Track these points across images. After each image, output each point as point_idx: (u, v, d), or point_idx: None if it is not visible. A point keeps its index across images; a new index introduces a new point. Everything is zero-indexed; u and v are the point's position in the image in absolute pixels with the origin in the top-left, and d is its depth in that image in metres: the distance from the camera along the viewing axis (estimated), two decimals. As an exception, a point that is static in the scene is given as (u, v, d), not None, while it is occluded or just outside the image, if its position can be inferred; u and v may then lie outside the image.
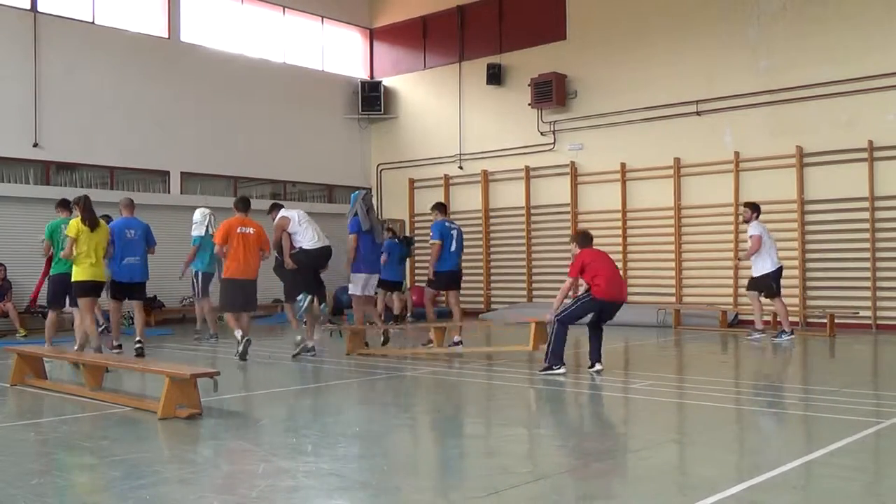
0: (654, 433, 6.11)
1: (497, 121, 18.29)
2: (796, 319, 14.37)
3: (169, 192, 16.95)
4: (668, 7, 15.96)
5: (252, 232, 10.43)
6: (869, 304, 13.77)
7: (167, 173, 17.04)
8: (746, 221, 12.59)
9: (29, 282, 14.31)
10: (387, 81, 20.22)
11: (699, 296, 15.51)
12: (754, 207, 12.56)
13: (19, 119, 15.07)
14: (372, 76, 20.55)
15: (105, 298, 10.66)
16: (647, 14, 16.22)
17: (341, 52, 20.30)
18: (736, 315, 14.72)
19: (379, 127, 20.38)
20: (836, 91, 14.07)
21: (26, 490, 4.63)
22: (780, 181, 14.59)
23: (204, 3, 17.91)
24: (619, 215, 16.42)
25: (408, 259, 16.83)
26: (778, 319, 12.88)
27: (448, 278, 11.73)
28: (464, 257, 18.60)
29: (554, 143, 17.39)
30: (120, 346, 10.41)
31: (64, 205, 10.78)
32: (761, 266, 12.28)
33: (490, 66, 18.10)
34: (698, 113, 15.51)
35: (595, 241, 16.58)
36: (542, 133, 17.56)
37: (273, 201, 12.07)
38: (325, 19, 19.94)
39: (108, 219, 11.74)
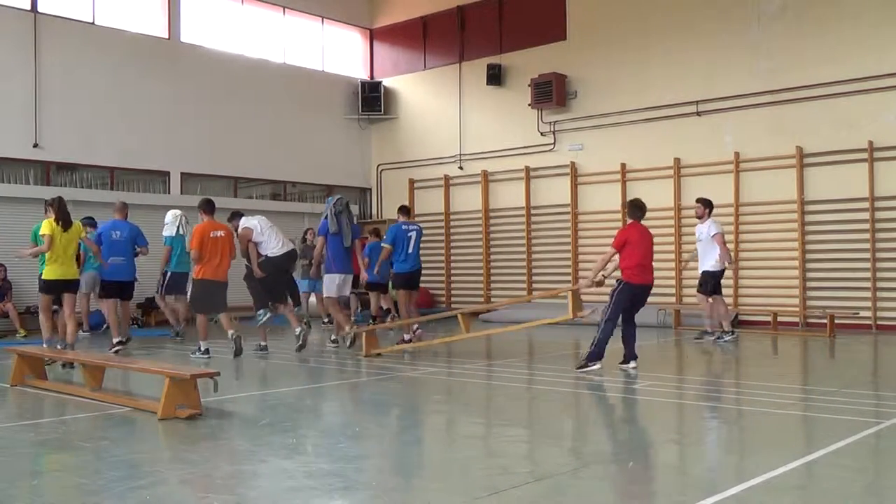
0: (654, 433, 6.11)
1: (497, 121, 18.29)
2: (796, 320, 14.39)
3: (169, 193, 16.95)
4: (669, 7, 15.96)
5: (223, 235, 10.65)
6: (869, 304, 13.77)
7: (167, 174, 17.05)
8: (699, 217, 12.42)
9: (29, 283, 14.28)
10: (387, 82, 20.22)
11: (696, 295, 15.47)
12: (708, 204, 12.37)
13: (19, 119, 15.07)
14: (372, 76, 20.55)
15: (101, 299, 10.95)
16: (647, 14, 16.22)
17: (341, 52, 20.31)
18: (736, 315, 14.70)
19: (379, 127, 20.38)
20: (837, 91, 14.07)
21: (26, 490, 4.63)
22: (781, 181, 14.59)
23: (204, 3, 17.91)
24: (620, 216, 16.39)
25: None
26: (780, 320, 12.88)
27: (407, 279, 12.14)
28: (463, 257, 18.88)
29: (554, 143, 17.39)
30: (121, 343, 10.83)
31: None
32: (708, 263, 12.17)
33: (490, 67, 18.10)
34: (698, 113, 15.52)
35: (595, 241, 16.88)
36: (542, 133, 17.57)
37: (234, 210, 12.18)
38: (325, 19, 19.94)
39: (91, 222, 12.32)
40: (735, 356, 11.31)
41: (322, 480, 4.79)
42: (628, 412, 7.32)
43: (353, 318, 13.17)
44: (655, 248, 15.79)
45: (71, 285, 9.78)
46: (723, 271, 12.43)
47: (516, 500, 4.42)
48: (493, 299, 18.25)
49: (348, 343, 11.57)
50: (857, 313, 13.70)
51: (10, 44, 15.02)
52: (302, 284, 14.19)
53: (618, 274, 9.37)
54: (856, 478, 4.89)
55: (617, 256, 9.35)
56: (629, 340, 9.33)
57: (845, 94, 14.00)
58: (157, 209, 14.35)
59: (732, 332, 12.26)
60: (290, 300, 11.54)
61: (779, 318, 14.02)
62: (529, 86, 17.21)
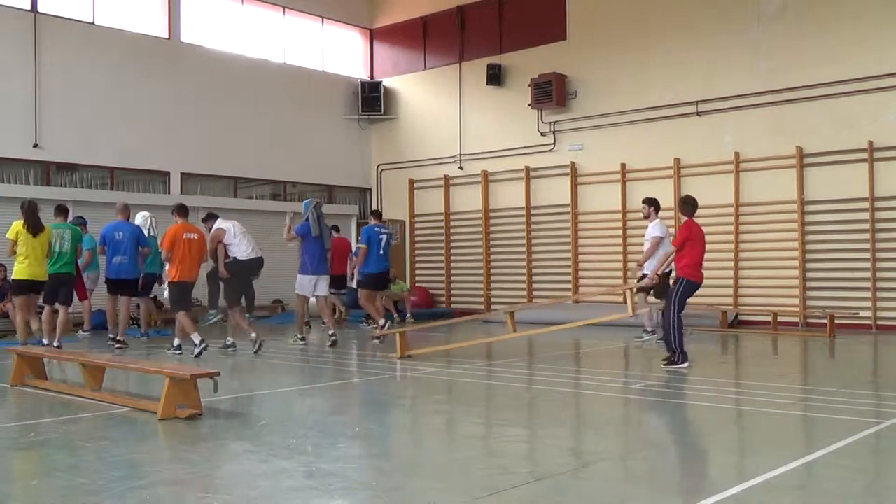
0: (654, 433, 6.10)
1: (497, 121, 18.29)
2: (796, 320, 14.38)
3: (169, 193, 16.95)
4: (669, 7, 15.96)
5: (196, 237, 10.88)
6: (869, 304, 13.77)
7: (167, 174, 17.05)
8: (646, 217, 12.24)
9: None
10: (387, 82, 20.22)
11: (699, 296, 15.41)
12: (653, 203, 12.19)
13: (19, 119, 15.08)
14: (372, 76, 20.55)
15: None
16: (647, 14, 16.22)
17: (341, 52, 20.31)
18: (736, 315, 14.72)
19: (379, 127, 20.38)
20: (837, 91, 14.07)
21: (26, 490, 4.63)
22: (781, 181, 14.59)
23: (204, 3, 17.91)
24: (620, 216, 16.41)
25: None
26: (780, 320, 12.87)
27: (376, 279, 12.70)
28: (463, 257, 18.88)
29: (554, 143, 17.39)
30: (123, 342, 11.29)
31: (61, 210, 11.48)
32: (652, 264, 12.03)
33: (490, 67, 18.10)
34: (698, 113, 15.52)
35: (595, 241, 16.89)
36: (542, 133, 17.57)
37: (209, 211, 12.51)
38: (325, 19, 19.94)
39: (82, 221, 13.03)
40: (735, 356, 11.30)
41: (322, 480, 4.79)
42: (628, 412, 7.32)
43: (337, 319, 13.55)
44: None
45: (38, 286, 10.38)
46: (668, 274, 12.28)
47: (516, 500, 4.42)
48: (493, 300, 18.25)
49: (329, 343, 11.84)
50: (857, 313, 13.70)
51: (10, 44, 15.02)
52: None
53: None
54: (856, 478, 4.89)
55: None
56: (668, 338, 9.51)
57: (845, 94, 14.00)
58: (157, 209, 14.34)
59: (654, 332, 12.10)
60: (244, 306, 11.74)
61: (779, 318, 14.01)
62: (529, 86, 17.21)
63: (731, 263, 14.98)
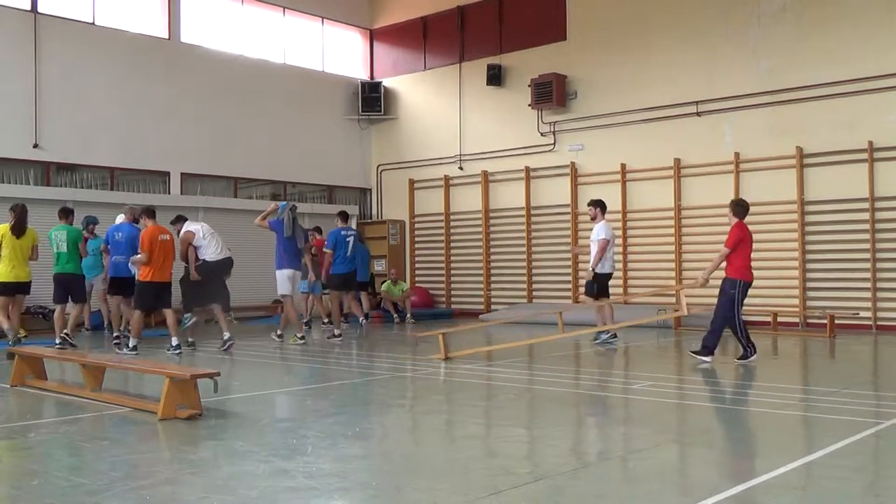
0: (654, 433, 6.11)
1: (497, 121, 18.29)
2: (796, 320, 14.39)
3: (169, 193, 16.95)
4: (669, 7, 15.97)
5: (168, 239, 11.15)
6: (869, 304, 13.77)
7: (167, 174, 17.05)
8: (593, 219, 12.33)
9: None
10: (387, 82, 20.23)
11: (700, 296, 15.47)
12: (598, 204, 12.30)
13: (19, 120, 15.08)
14: (372, 77, 20.55)
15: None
16: (647, 14, 16.23)
17: (341, 52, 20.31)
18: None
19: (379, 128, 20.38)
20: (837, 92, 14.08)
21: (26, 490, 4.63)
22: (781, 182, 14.59)
23: (204, 3, 17.91)
24: (620, 216, 16.41)
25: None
26: (780, 320, 12.87)
27: (342, 280, 13.13)
28: (463, 257, 18.89)
29: (554, 143, 17.40)
30: (118, 339, 11.50)
31: (65, 213, 11.95)
32: (600, 267, 12.09)
33: (490, 67, 18.10)
34: (698, 113, 15.52)
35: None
36: (542, 134, 17.57)
37: (178, 214, 12.80)
38: (325, 20, 19.95)
39: (94, 221, 13.52)
40: (735, 357, 11.29)
41: (322, 480, 4.79)
42: (628, 412, 7.32)
43: (304, 319, 13.82)
44: (656, 248, 16.08)
45: (22, 287, 10.88)
46: (611, 275, 12.35)
47: (516, 500, 4.42)
48: (493, 300, 18.26)
49: (334, 335, 12.63)
50: (857, 313, 13.70)
51: (10, 44, 15.02)
52: (302, 285, 14.28)
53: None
54: (856, 478, 4.89)
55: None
56: (718, 335, 9.86)
57: (845, 94, 14.00)
58: (157, 210, 14.29)
59: (615, 336, 12.13)
60: (219, 305, 11.93)
61: (779, 319, 14.01)
62: (529, 86, 17.21)
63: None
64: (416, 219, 19.76)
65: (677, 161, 15.71)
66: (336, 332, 12.90)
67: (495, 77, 18.07)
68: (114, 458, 5.39)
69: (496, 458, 5.47)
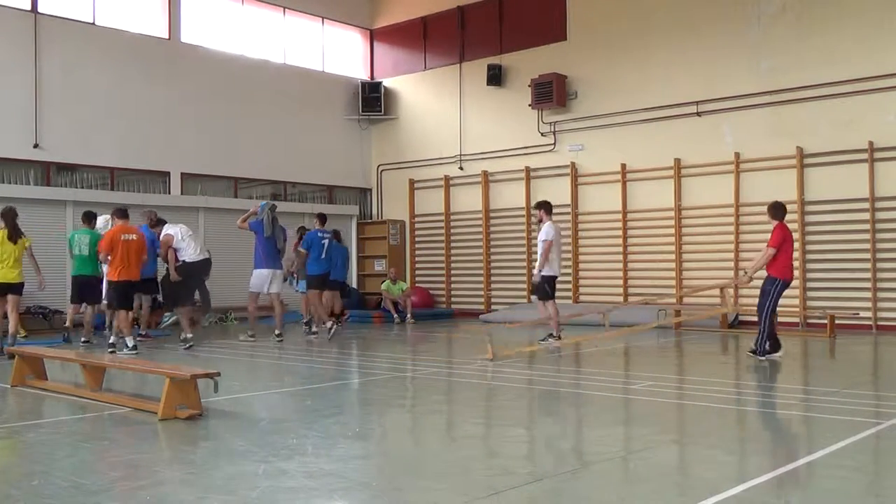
0: (654, 433, 6.10)
1: (497, 121, 18.29)
2: (796, 320, 14.38)
3: (169, 193, 16.95)
4: (669, 8, 15.96)
5: (134, 238, 11.21)
6: (869, 304, 13.77)
7: (167, 174, 17.05)
8: (540, 222, 12.32)
9: (28, 283, 14.24)
10: (387, 82, 20.23)
11: (701, 296, 15.48)
12: (545, 206, 12.32)
13: (20, 120, 15.08)
14: (372, 77, 20.55)
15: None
16: (647, 14, 16.22)
17: (342, 52, 20.31)
18: (736, 316, 14.70)
19: (379, 128, 20.38)
20: (837, 92, 14.08)
21: (27, 491, 4.63)
22: (781, 182, 14.58)
23: (204, 3, 17.91)
24: (620, 216, 16.42)
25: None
26: (780, 320, 12.82)
27: (318, 280, 13.43)
28: (463, 257, 18.90)
29: (554, 143, 17.40)
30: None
31: (87, 217, 12.28)
32: (546, 269, 12.07)
33: (490, 67, 18.10)
34: (699, 114, 15.52)
35: (595, 241, 16.89)
36: (542, 134, 17.57)
37: (158, 217, 13.05)
38: (325, 20, 19.95)
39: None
40: (735, 357, 11.29)
41: (322, 480, 4.79)
42: (628, 412, 7.32)
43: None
44: (656, 248, 16.08)
45: (14, 288, 11.00)
46: (556, 277, 12.34)
47: (516, 500, 4.42)
48: (493, 300, 18.25)
49: (328, 333, 12.89)
50: (857, 313, 13.69)
51: (10, 44, 15.02)
52: (302, 285, 14.38)
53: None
54: (856, 478, 4.89)
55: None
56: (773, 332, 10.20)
57: (845, 94, 14.00)
58: (157, 210, 14.31)
59: (559, 338, 12.01)
60: (194, 304, 12.44)
61: (779, 319, 13.96)
62: (530, 86, 17.21)
63: (732, 264, 14.98)
64: (417, 219, 19.77)
65: (677, 161, 15.71)
66: (314, 329, 13.39)
67: (495, 77, 18.07)
68: (114, 458, 5.40)
69: (496, 458, 5.47)
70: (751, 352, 10.22)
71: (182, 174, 17.24)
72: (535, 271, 12.25)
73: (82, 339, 12.17)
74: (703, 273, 15.49)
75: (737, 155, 15.03)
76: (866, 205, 13.81)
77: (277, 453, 5.42)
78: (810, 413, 6.98)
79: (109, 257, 10.97)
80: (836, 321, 13.22)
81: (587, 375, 9.39)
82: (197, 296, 12.87)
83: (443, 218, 19.12)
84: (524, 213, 17.74)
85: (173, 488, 4.68)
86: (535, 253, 17.64)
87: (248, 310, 13.17)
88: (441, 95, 19.31)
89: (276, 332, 12.70)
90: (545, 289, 12.03)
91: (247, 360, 10.77)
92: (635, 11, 16.37)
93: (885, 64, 13.63)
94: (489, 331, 10.76)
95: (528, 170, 17.72)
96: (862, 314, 13.71)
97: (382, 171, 20.37)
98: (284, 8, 19.12)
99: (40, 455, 5.61)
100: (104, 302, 11.90)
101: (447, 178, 19.05)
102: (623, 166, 16.37)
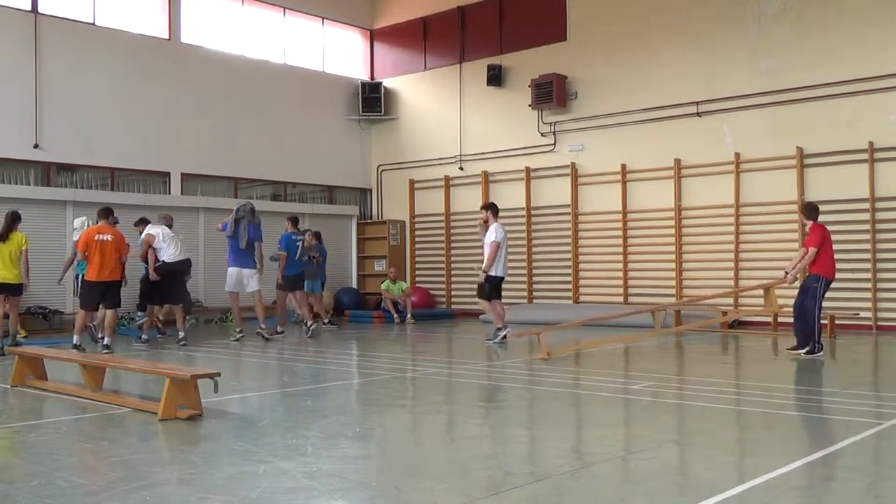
0: (654, 434, 6.11)
1: (497, 122, 18.29)
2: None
3: (169, 193, 16.96)
4: (669, 8, 15.96)
5: (110, 239, 11.19)
6: (869, 304, 13.77)
7: (168, 174, 17.05)
8: (486, 223, 12.54)
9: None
10: (387, 82, 20.23)
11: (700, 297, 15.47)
12: (492, 208, 12.65)
13: (20, 120, 15.08)
14: (372, 77, 20.55)
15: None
16: (647, 15, 16.23)
17: (342, 53, 20.31)
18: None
19: (379, 128, 20.38)
20: (837, 92, 14.08)
21: (27, 491, 4.63)
22: (781, 182, 14.59)
23: (204, 3, 17.92)
24: (620, 216, 16.42)
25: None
26: (780, 320, 12.81)
27: (293, 281, 13.98)
28: (463, 257, 18.90)
29: (554, 144, 17.40)
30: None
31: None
32: (493, 269, 12.26)
33: (490, 67, 18.10)
34: (699, 114, 15.52)
35: (595, 242, 16.89)
36: (542, 134, 17.57)
37: (141, 216, 13.31)
38: (325, 20, 19.95)
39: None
40: (735, 357, 11.29)
41: (322, 480, 4.79)
42: (628, 412, 7.32)
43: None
44: (656, 249, 16.08)
45: (11, 288, 11.16)
46: (503, 278, 12.49)
47: (516, 500, 4.42)
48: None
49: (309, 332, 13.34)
50: (858, 313, 13.69)
51: (10, 44, 15.03)
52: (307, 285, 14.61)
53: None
54: (856, 478, 4.89)
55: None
56: (815, 328, 10.43)
57: (846, 94, 14.00)
58: (157, 210, 14.34)
59: (504, 337, 12.25)
60: (179, 306, 12.58)
61: (779, 319, 14.00)
62: (530, 86, 17.21)
63: (732, 264, 14.99)
64: (417, 219, 19.77)
65: (677, 161, 15.71)
66: (279, 329, 13.63)
67: (495, 77, 18.07)
68: (114, 458, 5.40)
69: (496, 458, 5.48)
70: (805, 352, 10.33)
71: (182, 174, 17.24)
72: (482, 272, 12.49)
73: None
74: (703, 273, 15.49)
75: (737, 155, 15.03)
76: (866, 205, 13.81)
77: (277, 453, 5.42)
78: (810, 413, 6.98)
79: (83, 256, 11.07)
80: (837, 321, 13.21)
81: (587, 375, 9.39)
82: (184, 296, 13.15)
83: (443, 218, 19.12)
84: (524, 213, 17.75)
85: (173, 488, 4.68)
86: (535, 253, 17.77)
87: (232, 308, 13.44)
88: (441, 96, 19.31)
89: (258, 329, 13.00)
90: (488, 290, 12.36)
91: (247, 360, 10.77)
92: (635, 11, 16.38)
93: (885, 64, 13.63)
94: (539, 330, 10.73)
95: (528, 170, 17.72)
96: (862, 314, 13.71)
97: (382, 171, 20.37)
98: (284, 8, 19.12)
99: (40, 455, 5.61)
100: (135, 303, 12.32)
101: (447, 179, 19.05)
102: (623, 166, 16.38)
